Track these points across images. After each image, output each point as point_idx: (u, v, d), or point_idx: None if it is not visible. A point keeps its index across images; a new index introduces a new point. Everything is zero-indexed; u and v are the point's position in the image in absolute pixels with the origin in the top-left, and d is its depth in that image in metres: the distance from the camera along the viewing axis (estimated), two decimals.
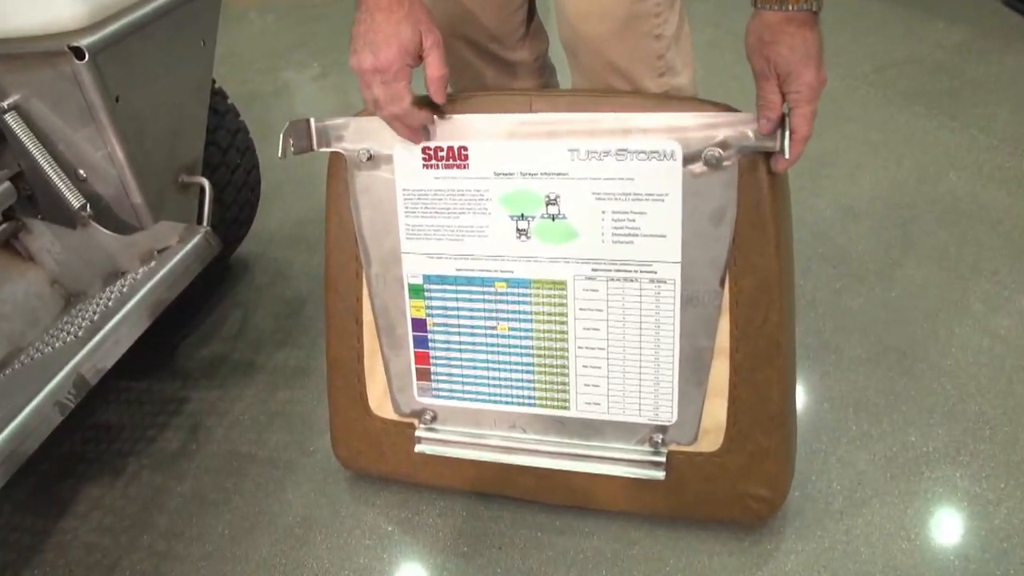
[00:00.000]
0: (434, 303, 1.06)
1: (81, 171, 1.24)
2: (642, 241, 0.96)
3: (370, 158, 1.01)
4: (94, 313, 1.10)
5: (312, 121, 1.02)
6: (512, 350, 1.05)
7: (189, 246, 1.15)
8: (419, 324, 1.08)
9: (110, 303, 1.10)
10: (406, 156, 0.99)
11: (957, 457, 1.15)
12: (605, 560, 1.08)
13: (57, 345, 1.10)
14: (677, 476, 1.03)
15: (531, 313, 1.03)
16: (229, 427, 1.38)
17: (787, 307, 0.96)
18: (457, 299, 1.05)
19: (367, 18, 0.86)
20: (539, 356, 1.04)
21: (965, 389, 1.26)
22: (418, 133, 0.95)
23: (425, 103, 0.93)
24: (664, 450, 1.03)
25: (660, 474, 1.02)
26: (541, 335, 1.03)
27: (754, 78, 0.86)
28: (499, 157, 0.96)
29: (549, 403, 1.06)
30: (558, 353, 1.03)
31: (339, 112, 1.03)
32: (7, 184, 1.23)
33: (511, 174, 0.97)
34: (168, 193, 1.31)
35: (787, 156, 0.85)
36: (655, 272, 0.97)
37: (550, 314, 1.02)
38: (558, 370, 1.04)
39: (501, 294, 1.03)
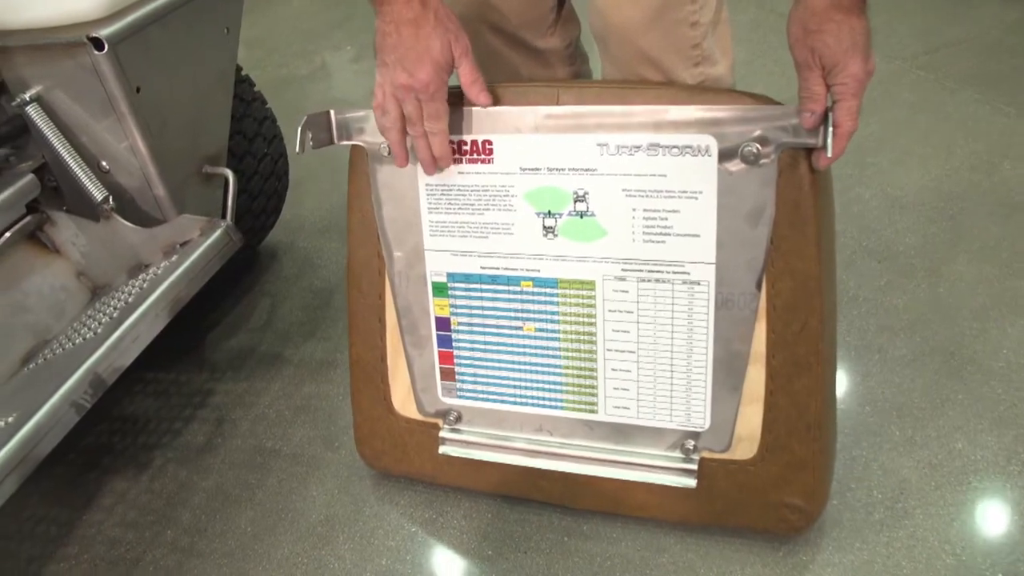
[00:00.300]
0: (458, 302, 1.02)
1: (104, 163, 1.22)
2: (674, 241, 0.91)
3: (391, 152, 0.97)
4: (114, 309, 1.09)
5: (332, 113, 0.99)
6: (539, 351, 1.02)
7: (209, 241, 1.13)
8: (443, 323, 1.04)
9: (130, 299, 1.08)
10: None
11: (1007, 466, 1.09)
12: (633, 567, 1.04)
13: (77, 341, 1.08)
14: (709, 484, 0.99)
15: (558, 314, 0.99)
16: (254, 421, 1.36)
17: (828, 313, 0.91)
18: (482, 298, 1.01)
19: (393, 31, 0.83)
20: (567, 358, 1.01)
21: (1017, 393, 1.19)
22: (406, 159, 0.93)
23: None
24: (696, 457, 0.99)
25: (692, 482, 0.98)
26: (569, 336, 1.00)
27: (796, 69, 0.81)
28: (525, 152, 0.92)
29: (577, 406, 1.02)
30: (586, 355, 1.00)
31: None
32: (30, 176, 1.22)
33: (537, 169, 0.93)
34: (192, 184, 1.29)
35: (829, 153, 0.79)
36: (688, 273, 0.92)
37: (578, 315, 0.98)
38: (586, 373, 1.00)
39: (527, 294, 0.99)
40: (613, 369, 0.99)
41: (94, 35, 1.08)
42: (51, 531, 1.22)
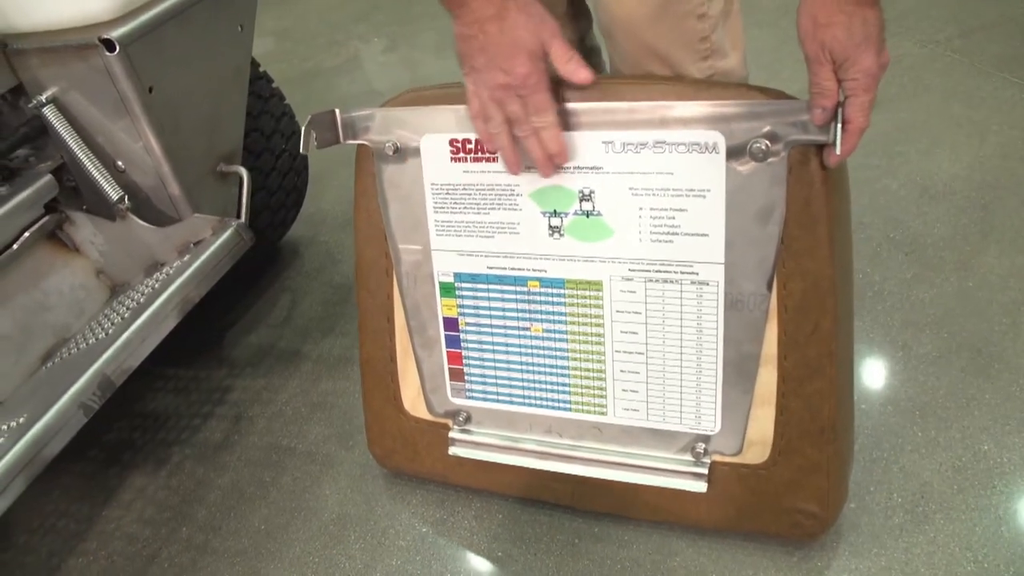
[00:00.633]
0: (466, 302, 1.01)
1: (119, 162, 1.23)
2: (682, 240, 0.89)
3: (396, 151, 0.97)
4: (126, 309, 1.10)
5: (338, 112, 0.98)
6: (547, 352, 1.00)
7: (220, 241, 1.13)
8: (451, 323, 1.03)
9: (143, 299, 1.09)
10: (433, 149, 0.95)
11: None
12: (643, 571, 1.02)
13: (92, 340, 1.09)
14: (721, 488, 0.97)
15: (565, 314, 0.97)
16: (271, 418, 1.37)
17: (842, 314, 0.88)
18: (489, 298, 1.00)
19: (478, 32, 0.78)
20: (575, 359, 0.99)
21: None
22: (519, 164, 0.89)
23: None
24: (707, 460, 0.97)
25: (702, 485, 0.96)
26: (576, 337, 0.98)
27: (806, 63, 0.78)
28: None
29: (586, 408, 1.01)
30: (594, 356, 0.98)
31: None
32: (48, 177, 1.23)
33: None
34: (207, 183, 1.29)
35: (838, 151, 0.77)
36: (696, 273, 0.90)
37: (585, 316, 0.97)
38: (595, 374, 0.99)
39: (534, 294, 0.98)
40: (622, 371, 0.97)
41: (105, 36, 1.09)
42: (71, 526, 1.24)
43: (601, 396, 0.99)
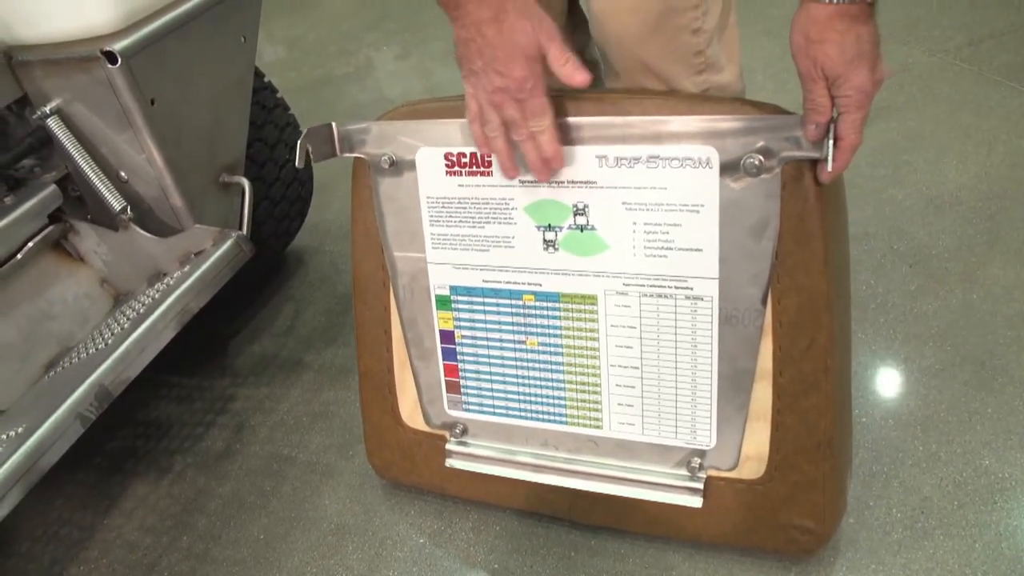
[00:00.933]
0: (462, 315, 1.02)
1: (122, 173, 1.24)
2: (676, 255, 0.89)
3: (392, 164, 0.97)
4: (127, 319, 1.11)
5: (335, 125, 0.99)
6: (542, 366, 1.00)
7: (219, 252, 1.14)
8: (447, 336, 1.04)
9: (143, 309, 1.09)
10: (429, 163, 0.95)
11: None
12: None
13: (92, 350, 1.10)
14: (716, 503, 0.97)
15: (561, 328, 0.97)
16: (273, 428, 1.37)
17: (838, 330, 0.88)
18: (485, 311, 1.00)
19: (476, 35, 0.78)
20: (570, 373, 0.99)
21: None
22: (515, 168, 0.88)
23: None
24: (702, 475, 0.96)
25: (698, 500, 0.96)
26: (572, 351, 0.98)
27: (800, 79, 0.78)
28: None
29: (581, 422, 1.01)
30: (590, 370, 0.98)
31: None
32: (53, 187, 1.24)
33: (537, 182, 0.91)
34: (209, 194, 1.30)
35: (829, 168, 0.76)
36: (691, 288, 0.90)
37: (581, 329, 0.96)
38: (590, 388, 0.99)
39: (529, 307, 0.98)
40: (617, 385, 0.97)
41: (107, 49, 1.10)
42: (74, 534, 1.25)
43: (597, 410, 0.99)
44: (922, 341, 1.28)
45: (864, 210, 1.57)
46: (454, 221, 0.97)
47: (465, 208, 0.96)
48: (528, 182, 0.91)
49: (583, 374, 0.98)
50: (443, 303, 1.02)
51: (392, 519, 1.17)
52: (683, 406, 0.95)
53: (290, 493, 1.25)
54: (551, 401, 1.01)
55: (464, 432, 1.07)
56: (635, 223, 0.89)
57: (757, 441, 0.93)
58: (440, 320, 1.03)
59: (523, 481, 1.05)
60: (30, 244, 1.25)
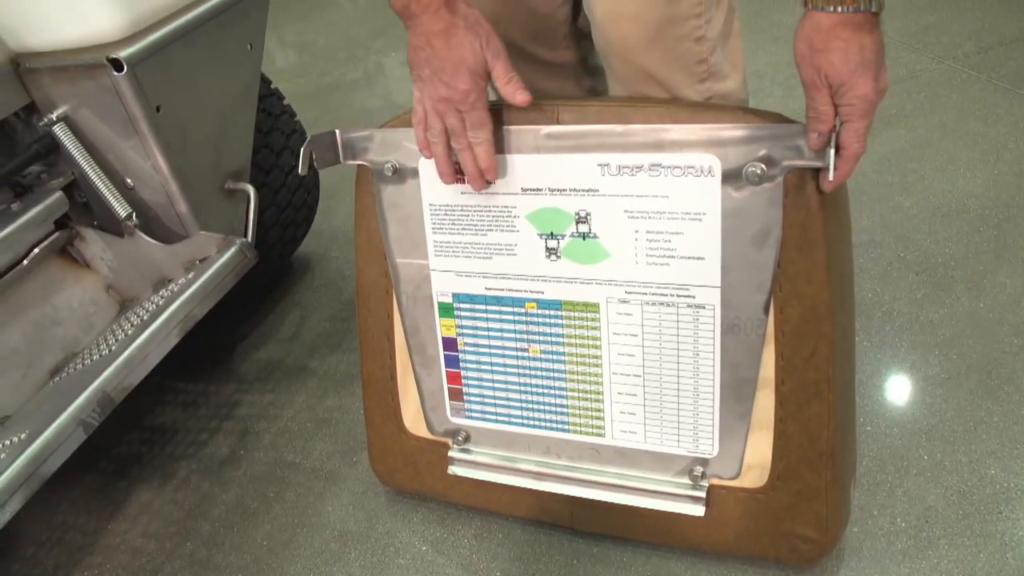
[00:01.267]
0: (464, 322, 1.02)
1: (128, 180, 1.25)
2: (678, 263, 0.89)
3: (395, 171, 0.97)
4: (132, 325, 1.11)
5: (338, 133, 0.99)
6: (545, 373, 1.00)
7: (223, 259, 1.14)
8: (450, 343, 1.04)
9: (147, 316, 1.10)
10: (432, 170, 0.95)
11: None
12: None
13: (96, 356, 1.11)
14: (719, 511, 0.96)
15: (563, 336, 0.97)
16: (277, 434, 1.38)
17: (840, 339, 0.88)
18: (487, 319, 1.00)
19: (424, 45, 0.82)
20: (572, 380, 0.99)
21: None
22: (452, 174, 0.91)
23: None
24: (705, 484, 0.96)
25: (700, 509, 0.96)
26: (574, 359, 0.98)
27: (803, 88, 0.77)
28: (525, 172, 0.91)
29: (584, 430, 1.01)
30: (592, 378, 0.98)
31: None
32: (59, 194, 1.25)
33: (539, 190, 0.91)
34: (215, 200, 1.31)
35: (831, 177, 0.76)
36: (693, 297, 0.89)
37: (583, 337, 0.96)
38: (592, 396, 0.98)
39: (532, 315, 0.98)
40: (619, 393, 0.97)
41: (113, 56, 1.10)
42: (78, 539, 1.26)
43: (599, 418, 0.99)
44: (928, 349, 1.28)
45: (871, 217, 1.57)
46: (457, 229, 0.97)
47: (468, 216, 0.96)
48: (530, 190, 0.91)
49: (585, 382, 0.98)
50: (446, 310, 1.02)
51: (395, 526, 1.17)
52: (685, 414, 0.95)
53: (293, 499, 1.25)
54: (553, 409, 1.01)
55: (467, 439, 1.07)
56: (637, 231, 0.89)
57: (759, 450, 0.92)
58: (443, 327, 1.03)
59: (526, 489, 1.05)
60: (36, 250, 1.25)
